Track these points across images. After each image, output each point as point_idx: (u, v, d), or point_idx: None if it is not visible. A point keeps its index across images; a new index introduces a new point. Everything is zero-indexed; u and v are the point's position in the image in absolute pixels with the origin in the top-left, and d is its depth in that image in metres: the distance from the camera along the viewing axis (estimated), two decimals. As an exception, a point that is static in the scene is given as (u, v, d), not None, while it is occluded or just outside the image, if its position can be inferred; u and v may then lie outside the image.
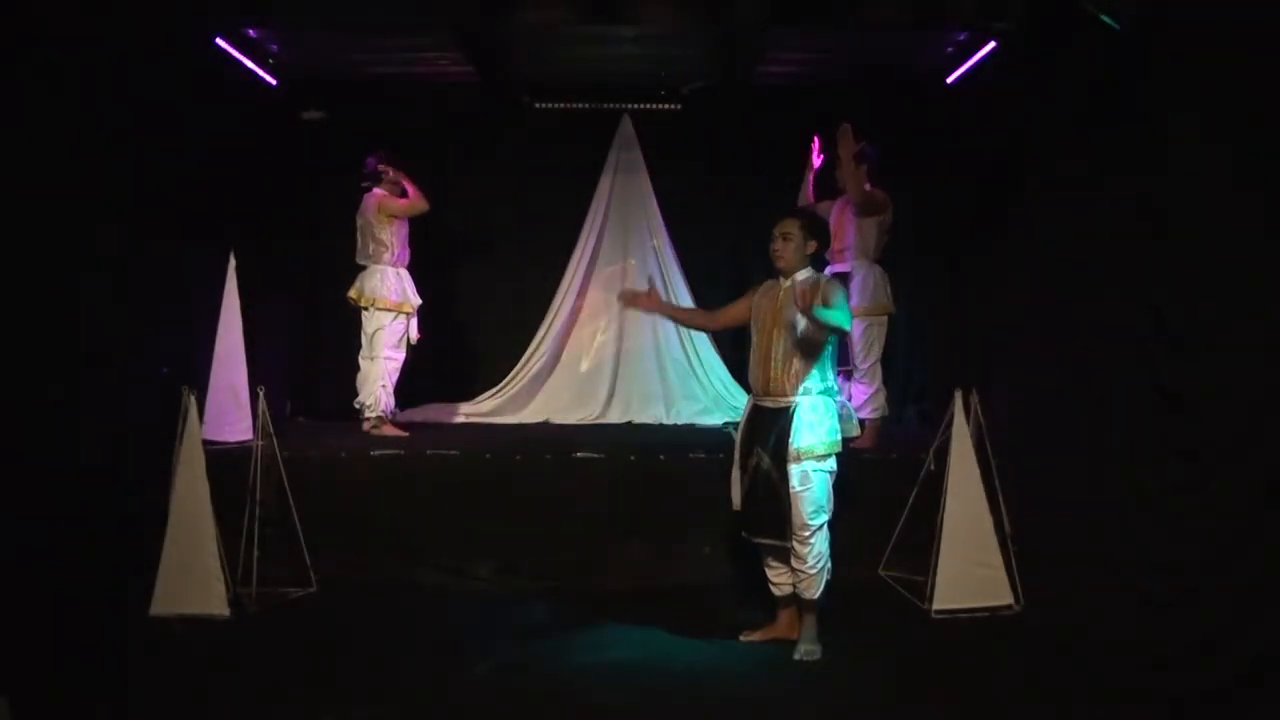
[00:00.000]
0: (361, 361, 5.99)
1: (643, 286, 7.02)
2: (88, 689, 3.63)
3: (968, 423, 4.46)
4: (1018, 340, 5.32)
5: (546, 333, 7.04)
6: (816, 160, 5.69)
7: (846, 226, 5.42)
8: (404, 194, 5.94)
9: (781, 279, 4.08)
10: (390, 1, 5.31)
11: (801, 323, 3.91)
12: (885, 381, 5.58)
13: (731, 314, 4.28)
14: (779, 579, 4.12)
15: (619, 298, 4.75)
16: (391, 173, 5.91)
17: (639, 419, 6.85)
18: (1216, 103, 3.87)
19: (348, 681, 3.73)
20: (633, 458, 5.36)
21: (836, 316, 3.80)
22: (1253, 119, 3.63)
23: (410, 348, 6.03)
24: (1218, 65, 3.81)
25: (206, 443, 4.54)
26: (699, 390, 6.94)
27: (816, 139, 5.66)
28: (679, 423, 6.75)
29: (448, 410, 6.82)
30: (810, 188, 5.72)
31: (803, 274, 4.04)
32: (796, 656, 3.98)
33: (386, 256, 5.90)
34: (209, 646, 4.09)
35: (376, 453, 5.36)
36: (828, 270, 4.23)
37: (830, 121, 5.45)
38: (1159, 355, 4.24)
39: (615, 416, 6.89)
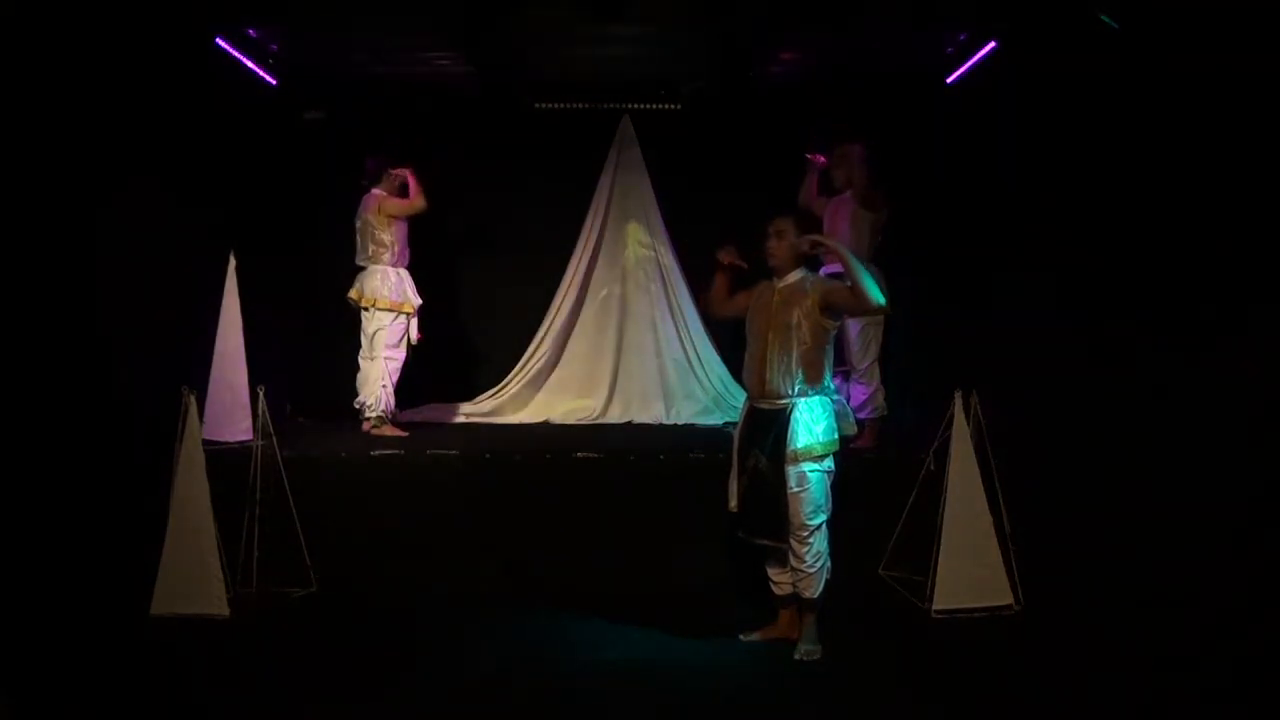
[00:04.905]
0: (361, 361, 5.99)
1: (641, 285, 7.13)
2: (88, 689, 3.63)
3: (968, 423, 4.46)
4: (1017, 340, 5.32)
5: (546, 333, 7.03)
6: (819, 159, 5.71)
7: (841, 226, 5.42)
8: (404, 193, 5.94)
9: (775, 279, 4.07)
10: (390, 1, 5.31)
11: (800, 324, 3.91)
12: (884, 381, 5.58)
13: (735, 303, 4.24)
14: (779, 579, 4.12)
15: (720, 255, 4.22)
16: (395, 172, 5.92)
17: (639, 419, 6.85)
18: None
19: (348, 681, 3.72)
20: (633, 458, 5.36)
21: (867, 278, 3.79)
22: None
23: (410, 348, 6.04)
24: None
25: (206, 443, 4.54)
26: (699, 390, 6.93)
27: (811, 153, 5.69)
28: (679, 423, 6.75)
29: (448, 410, 6.82)
30: (813, 186, 5.73)
31: (795, 274, 4.03)
32: (796, 656, 3.97)
33: (386, 257, 5.90)
34: (209, 646, 4.09)
35: (376, 452, 5.36)
36: (822, 270, 4.22)
37: (830, 121, 5.46)
38: (1158, 354, 4.25)
39: (615, 416, 6.89)
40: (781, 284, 4.03)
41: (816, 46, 6.13)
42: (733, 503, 4.11)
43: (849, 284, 3.86)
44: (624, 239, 7.10)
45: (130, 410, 4.76)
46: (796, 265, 4.02)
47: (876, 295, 3.78)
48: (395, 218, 5.91)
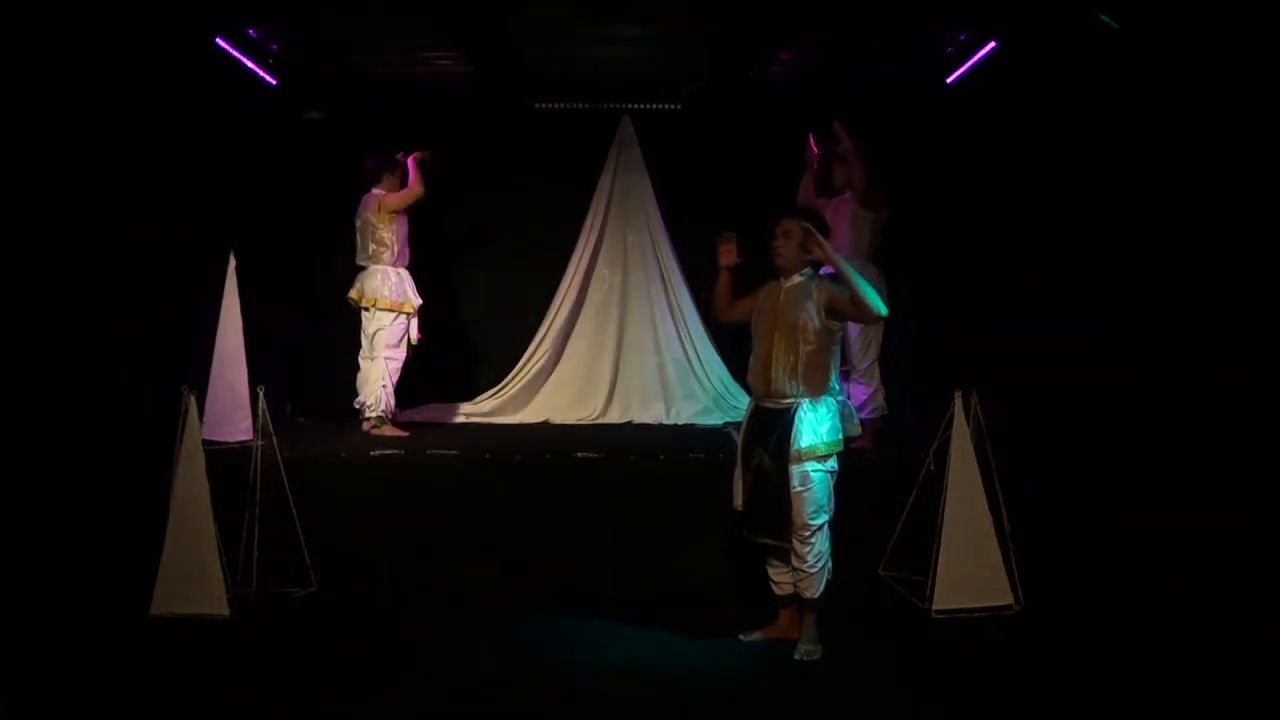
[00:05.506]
0: (362, 361, 5.99)
1: (641, 285, 7.14)
2: (88, 689, 3.63)
3: (968, 423, 4.46)
4: (1017, 340, 5.32)
5: (546, 333, 7.04)
6: (814, 153, 5.72)
7: (841, 226, 5.42)
8: (404, 184, 5.94)
9: (781, 279, 4.08)
10: (390, 1, 5.31)
11: (805, 324, 3.91)
12: (884, 381, 5.58)
13: (740, 307, 4.24)
14: (780, 578, 4.12)
15: (721, 240, 4.19)
16: (399, 162, 5.93)
17: (639, 419, 6.85)
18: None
19: (348, 681, 3.72)
20: (632, 458, 5.36)
21: (866, 288, 3.79)
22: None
23: (410, 348, 6.04)
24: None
25: (206, 443, 4.53)
26: (699, 390, 6.94)
27: (811, 136, 5.70)
28: (679, 423, 6.75)
29: (448, 410, 6.82)
30: (810, 185, 5.73)
31: (801, 275, 4.03)
32: (796, 656, 3.97)
33: (386, 256, 5.90)
34: (209, 646, 4.09)
35: (376, 452, 5.37)
36: (823, 270, 4.22)
37: (830, 121, 5.46)
38: (1158, 354, 4.25)
39: (615, 416, 6.89)
40: (788, 284, 4.03)
41: (816, 46, 6.14)
42: (738, 501, 4.10)
43: (848, 294, 3.87)
44: (624, 239, 7.09)
45: (130, 410, 4.76)
46: (803, 266, 4.02)
47: (877, 305, 3.79)
48: (396, 213, 5.91)
